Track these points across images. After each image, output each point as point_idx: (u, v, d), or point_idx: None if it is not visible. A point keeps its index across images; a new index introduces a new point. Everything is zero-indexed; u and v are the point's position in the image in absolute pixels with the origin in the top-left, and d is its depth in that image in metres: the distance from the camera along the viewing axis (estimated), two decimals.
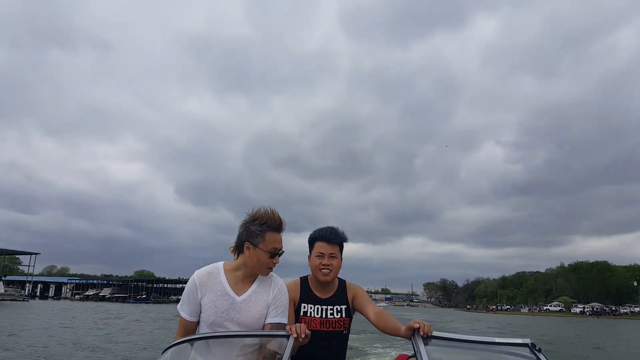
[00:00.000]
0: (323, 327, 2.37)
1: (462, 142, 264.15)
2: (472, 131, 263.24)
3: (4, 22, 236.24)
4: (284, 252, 2.12)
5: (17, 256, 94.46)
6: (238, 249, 2.11)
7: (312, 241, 2.49)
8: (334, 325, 2.39)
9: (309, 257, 2.49)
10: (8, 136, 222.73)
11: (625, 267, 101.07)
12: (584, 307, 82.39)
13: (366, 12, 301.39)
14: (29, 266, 77.91)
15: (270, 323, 2.06)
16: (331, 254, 2.41)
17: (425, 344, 1.83)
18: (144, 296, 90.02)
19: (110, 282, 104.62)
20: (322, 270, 2.39)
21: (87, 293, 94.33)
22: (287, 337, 1.83)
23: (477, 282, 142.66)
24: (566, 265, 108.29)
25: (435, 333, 1.88)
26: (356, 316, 2.52)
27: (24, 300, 63.36)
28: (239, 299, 2.06)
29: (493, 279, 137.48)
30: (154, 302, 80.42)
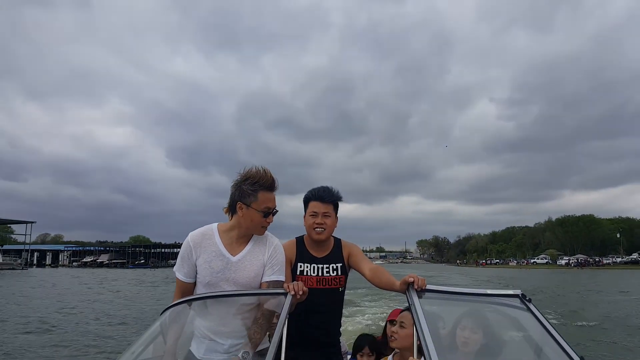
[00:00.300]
0: (319, 285, 2.41)
1: (456, 100, 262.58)
2: (466, 88, 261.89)
3: None
4: (277, 211, 2.11)
5: (9, 225, 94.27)
6: (231, 209, 2.09)
7: (306, 201, 2.50)
8: (330, 283, 2.43)
9: (304, 217, 2.50)
10: None
11: (610, 219, 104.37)
12: (569, 259, 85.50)
13: None
14: (25, 235, 77.99)
15: (267, 281, 2.08)
16: (324, 212, 2.42)
17: (420, 297, 1.88)
18: (142, 261, 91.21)
19: (108, 249, 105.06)
20: (316, 229, 2.41)
21: (84, 260, 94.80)
22: (285, 294, 1.85)
23: (468, 238, 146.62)
24: (554, 219, 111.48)
25: (428, 286, 1.93)
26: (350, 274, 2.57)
27: (22, 269, 63.79)
28: (233, 259, 2.07)
29: (484, 234, 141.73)
30: (153, 267, 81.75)
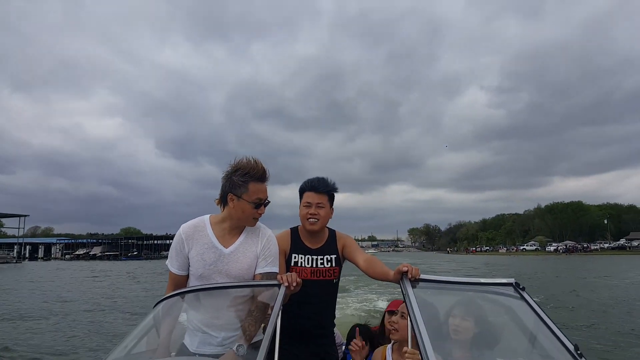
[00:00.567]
0: (314, 277, 2.40)
1: (446, 88, 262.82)
2: (456, 76, 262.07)
3: None
4: (269, 202, 2.09)
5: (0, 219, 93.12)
6: (223, 200, 2.07)
7: (301, 191, 2.48)
8: (324, 275, 2.42)
9: (299, 207, 2.48)
10: None
11: (598, 206, 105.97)
12: (557, 246, 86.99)
13: None
14: (19, 228, 77.39)
15: (261, 273, 2.06)
16: (318, 203, 2.40)
17: (413, 286, 1.88)
18: (135, 253, 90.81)
19: (100, 241, 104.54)
20: (309, 220, 2.40)
21: (77, 252, 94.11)
22: (279, 286, 1.84)
23: (459, 226, 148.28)
24: (543, 206, 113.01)
25: (422, 276, 1.93)
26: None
27: (16, 262, 63.52)
28: (226, 251, 2.05)
29: (474, 222, 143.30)
30: (146, 259, 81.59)
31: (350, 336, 2.93)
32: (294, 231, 2.52)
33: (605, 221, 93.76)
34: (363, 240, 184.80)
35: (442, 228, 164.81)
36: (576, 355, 1.67)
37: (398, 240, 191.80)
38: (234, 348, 1.74)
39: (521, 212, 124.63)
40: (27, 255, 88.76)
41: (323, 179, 2.46)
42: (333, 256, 2.46)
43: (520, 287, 1.95)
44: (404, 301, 1.87)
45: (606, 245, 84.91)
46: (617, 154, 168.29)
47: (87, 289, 20.91)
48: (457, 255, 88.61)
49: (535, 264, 43.40)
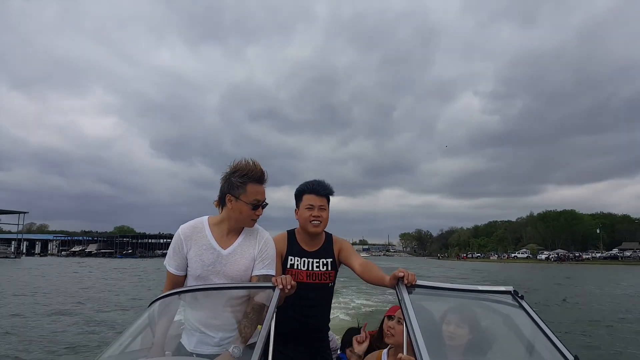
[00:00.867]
0: (309, 280, 2.40)
1: (440, 93, 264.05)
2: (450, 82, 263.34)
3: None
4: (267, 204, 2.10)
5: None
6: (221, 202, 2.08)
7: (299, 194, 2.47)
8: (320, 278, 2.42)
9: (296, 210, 2.48)
10: None
11: (591, 215, 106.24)
12: (549, 254, 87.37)
13: None
14: (17, 224, 77.87)
15: (257, 275, 2.06)
16: (320, 206, 2.41)
17: (409, 292, 1.86)
18: (129, 251, 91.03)
19: (96, 239, 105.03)
20: (313, 222, 2.39)
21: (73, 249, 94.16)
22: (273, 288, 1.84)
23: (451, 232, 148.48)
24: (535, 214, 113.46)
25: (419, 282, 1.92)
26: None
27: (15, 258, 64.09)
28: (224, 252, 2.05)
29: (466, 228, 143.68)
30: (140, 257, 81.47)
31: (346, 340, 2.93)
32: (291, 234, 2.52)
33: (598, 230, 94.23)
34: (354, 244, 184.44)
35: (434, 234, 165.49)
36: None
37: (389, 245, 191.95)
38: (230, 349, 1.74)
39: (514, 219, 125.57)
40: (24, 250, 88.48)
41: (322, 181, 2.47)
42: (329, 260, 2.46)
43: (519, 295, 1.92)
44: (400, 306, 1.86)
45: (598, 255, 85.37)
46: (612, 163, 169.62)
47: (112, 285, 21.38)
48: (447, 261, 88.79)
49: (524, 272, 43.70)
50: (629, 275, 37.46)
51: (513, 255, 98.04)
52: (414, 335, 1.62)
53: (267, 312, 1.72)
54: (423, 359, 1.52)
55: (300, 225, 2.48)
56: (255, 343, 1.61)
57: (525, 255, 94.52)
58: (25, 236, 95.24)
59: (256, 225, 2.16)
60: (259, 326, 1.83)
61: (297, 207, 2.48)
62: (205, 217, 2.15)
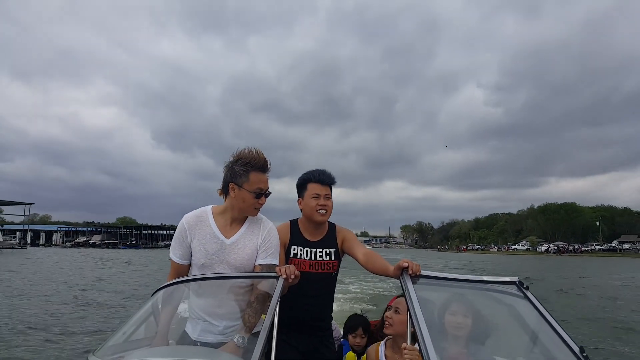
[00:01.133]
0: (312, 269, 2.40)
1: (443, 84, 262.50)
2: (453, 73, 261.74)
3: None
4: (270, 192, 2.10)
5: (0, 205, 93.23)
6: (224, 190, 2.08)
7: (304, 183, 2.45)
8: (323, 268, 2.42)
9: (300, 200, 2.47)
10: None
11: (592, 207, 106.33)
12: (548, 246, 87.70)
13: None
14: (23, 215, 78.44)
15: (261, 264, 2.07)
16: (326, 194, 2.41)
17: (414, 282, 1.86)
18: (133, 242, 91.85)
19: (100, 230, 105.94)
20: (319, 211, 2.38)
21: (77, 240, 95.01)
22: (277, 278, 1.84)
23: (452, 224, 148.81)
24: (536, 207, 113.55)
25: (423, 272, 1.91)
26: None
27: (22, 248, 64.57)
28: (228, 241, 2.06)
29: (467, 220, 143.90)
30: (144, 248, 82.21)
31: (349, 326, 2.94)
32: (294, 223, 2.51)
33: (598, 223, 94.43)
34: (356, 235, 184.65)
35: (435, 226, 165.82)
36: (582, 358, 1.63)
37: (390, 236, 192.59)
38: (235, 339, 1.75)
39: (515, 212, 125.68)
40: (29, 241, 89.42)
41: (325, 171, 2.46)
42: (332, 249, 2.46)
43: (524, 286, 1.91)
44: (404, 297, 1.85)
45: (597, 247, 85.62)
46: (615, 156, 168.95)
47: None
48: (448, 253, 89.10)
49: (520, 263, 43.86)
50: (624, 268, 37.53)
51: (513, 247, 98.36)
52: (418, 326, 1.62)
53: (270, 301, 1.72)
54: (427, 349, 1.52)
55: (305, 215, 2.46)
56: (259, 332, 1.62)
57: (525, 247, 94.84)
58: (30, 227, 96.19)
59: (260, 214, 2.16)
60: (263, 315, 1.83)
61: (300, 196, 2.46)
62: (209, 207, 2.15)
